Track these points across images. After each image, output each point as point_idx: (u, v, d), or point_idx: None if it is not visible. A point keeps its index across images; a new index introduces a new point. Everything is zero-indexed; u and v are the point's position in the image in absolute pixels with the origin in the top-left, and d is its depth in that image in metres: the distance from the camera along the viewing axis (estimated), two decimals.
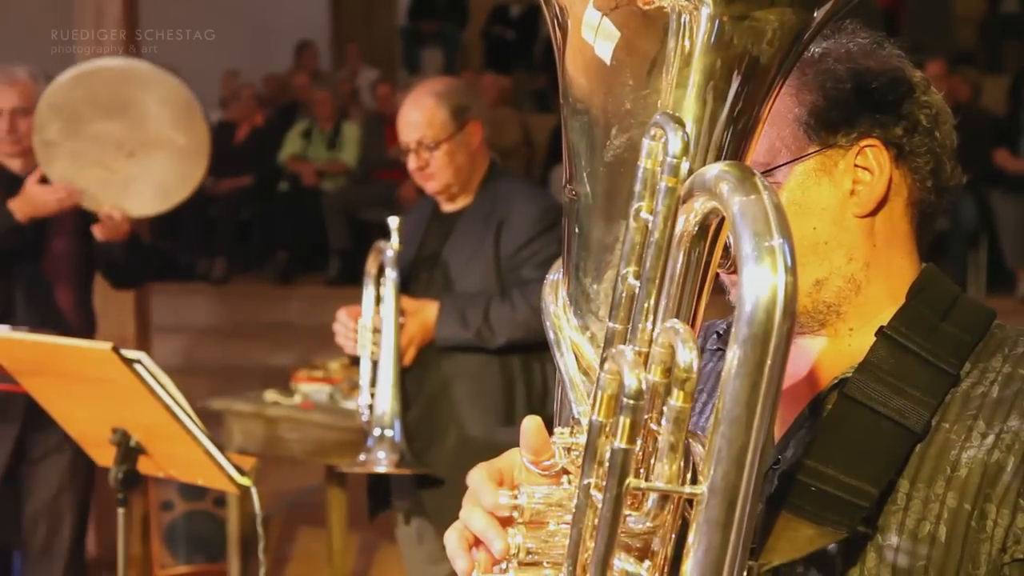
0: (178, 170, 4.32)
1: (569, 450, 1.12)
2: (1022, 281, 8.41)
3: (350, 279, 9.42)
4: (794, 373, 1.36)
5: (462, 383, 3.48)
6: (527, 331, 3.37)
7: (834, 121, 1.32)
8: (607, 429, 1.00)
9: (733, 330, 0.90)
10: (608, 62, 1.06)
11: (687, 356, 0.94)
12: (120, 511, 3.05)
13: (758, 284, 0.88)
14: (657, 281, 1.00)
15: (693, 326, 1.07)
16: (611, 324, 1.05)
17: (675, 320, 0.98)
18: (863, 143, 1.32)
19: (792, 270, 0.88)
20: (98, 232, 4.20)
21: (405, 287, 3.50)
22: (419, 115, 3.45)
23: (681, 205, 1.00)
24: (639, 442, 0.98)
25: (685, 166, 0.97)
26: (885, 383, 1.27)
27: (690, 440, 1.01)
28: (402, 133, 3.50)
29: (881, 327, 1.31)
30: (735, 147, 1.07)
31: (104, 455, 3.12)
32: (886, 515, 1.25)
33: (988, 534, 1.22)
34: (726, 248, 1.10)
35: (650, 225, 1.00)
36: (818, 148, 1.32)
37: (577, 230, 1.14)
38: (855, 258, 1.33)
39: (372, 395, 3.43)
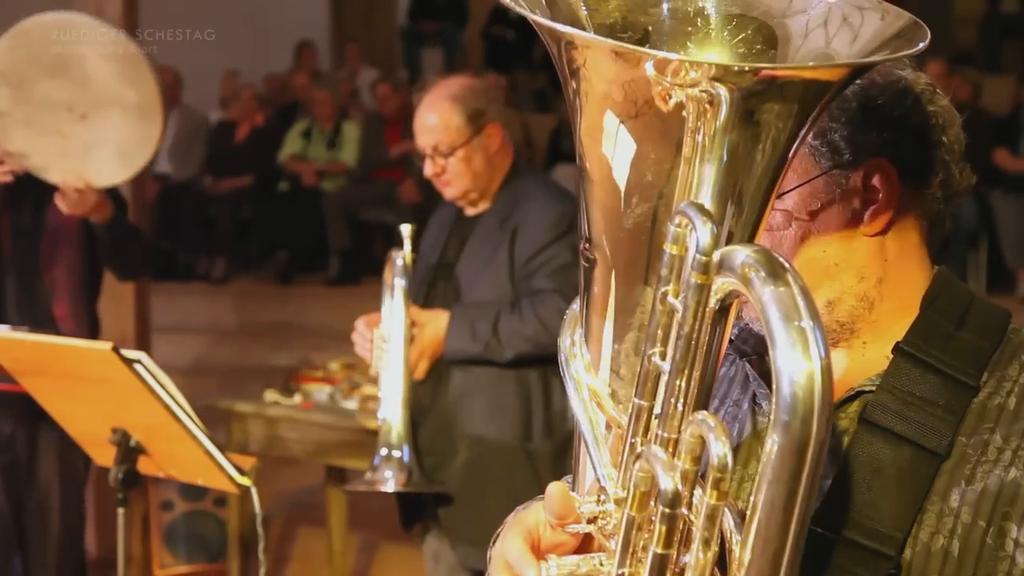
0: (135, 131, 4.01)
1: (596, 519, 1.14)
2: (1022, 281, 8.41)
3: (350, 279, 9.42)
4: None
5: (478, 397, 3.41)
6: (535, 345, 3.30)
7: (841, 142, 1.30)
8: (640, 523, 1.04)
9: (771, 417, 0.91)
10: (629, 134, 1.06)
11: (720, 450, 0.95)
12: (120, 511, 3.05)
13: (793, 371, 0.89)
14: (687, 371, 1.02)
15: (711, 391, 1.09)
16: (638, 400, 1.06)
17: (705, 413, 0.98)
18: (870, 162, 1.31)
19: (826, 356, 0.90)
20: (61, 204, 3.93)
21: (424, 293, 3.46)
22: (434, 120, 3.36)
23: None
24: (674, 550, 1.01)
25: (716, 258, 0.98)
26: (906, 403, 1.26)
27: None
28: (418, 137, 3.43)
29: (898, 343, 1.30)
30: (754, 213, 1.08)
31: (104, 455, 3.12)
32: None
33: (1008, 553, 1.21)
34: None
35: (678, 315, 1.01)
36: (825, 170, 1.30)
37: (596, 290, 1.15)
38: (866, 276, 1.32)
39: None
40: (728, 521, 1.05)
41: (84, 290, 4.13)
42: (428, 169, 3.40)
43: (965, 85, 8.28)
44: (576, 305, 1.22)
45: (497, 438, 3.37)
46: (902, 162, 1.32)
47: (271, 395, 4.82)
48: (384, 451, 3.37)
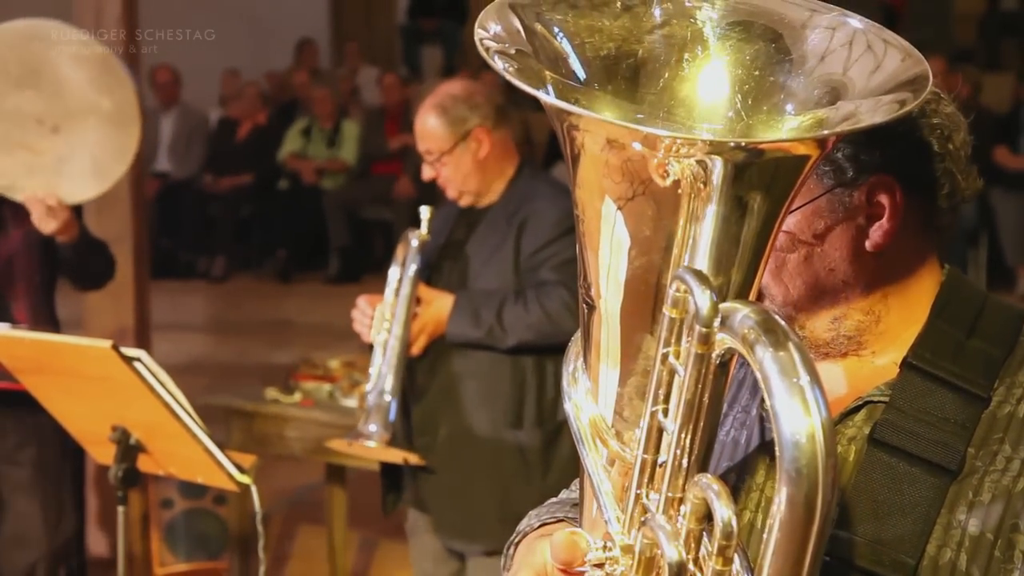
0: (111, 141, 3.82)
1: (602, 566, 1.14)
2: (1022, 279, 8.41)
3: (350, 277, 9.42)
4: None
5: (473, 381, 3.46)
6: (538, 333, 3.37)
7: (844, 160, 1.29)
8: None
9: (778, 469, 0.91)
10: (627, 191, 1.07)
11: (725, 514, 0.95)
12: (120, 509, 3.05)
13: (795, 429, 0.90)
14: (690, 427, 1.03)
15: (714, 441, 1.09)
16: (643, 454, 1.07)
17: (709, 477, 0.99)
18: (873, 179, 1.29)
19: (826, 412, 0.90)
20: (36, 223, 3.73)
21: (428, 277, 3.52)
22: (422, 128, 3.52)
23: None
24: None
25: (716, 326, 0.98)
26: (917, 419, 1.24)
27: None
28: (416, 143, 3.59)
29: (906, 358, 1.28)
30: (753, 267, 1.08)
31: (104, 453, 3.13)
32: None
33: (1016, 565, 1.19)
34: None
35: (679, 379, 1.02)
36: (828, 188, 1.29)
37: (596, 335, 1.16)
38: (873, 291, 1.32)
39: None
40: (736, 563, 1.05)
41: (42, 293, 3.97)
42: (425, 173, 3.55)
43: (965, 83, 8.28)
44: (577, 339, 1.23)
45: (488, 424, 3.44)
46: (906, 177, 1.30)
47: (271, 393, 4.82)
48: (372, 399, 3.42)
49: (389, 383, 3.42)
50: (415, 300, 3.44)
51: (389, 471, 3.66)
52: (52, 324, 3.96)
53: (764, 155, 1.03)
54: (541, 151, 10.34)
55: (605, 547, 1.13)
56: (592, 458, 1.17)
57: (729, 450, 1.37)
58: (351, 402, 4.62)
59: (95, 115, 3.81)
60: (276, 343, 8.21)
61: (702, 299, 0.98)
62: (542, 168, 10.16)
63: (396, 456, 3.51)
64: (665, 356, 1.03)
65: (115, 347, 2.90)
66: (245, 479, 2.98)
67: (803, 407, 0.90)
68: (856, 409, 1.29)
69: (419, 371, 3.53)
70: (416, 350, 3.46)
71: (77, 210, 4.01)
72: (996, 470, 1.22)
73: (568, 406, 1.21)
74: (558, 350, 3.43)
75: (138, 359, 2.93)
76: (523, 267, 3.43)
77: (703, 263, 1.05)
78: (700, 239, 1.05)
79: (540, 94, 1.05)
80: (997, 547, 1.20)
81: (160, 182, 10.04)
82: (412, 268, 3.46)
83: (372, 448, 3.49)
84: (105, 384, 2.97)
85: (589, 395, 1.19)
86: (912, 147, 1.30)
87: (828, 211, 1.29)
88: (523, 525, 1.43)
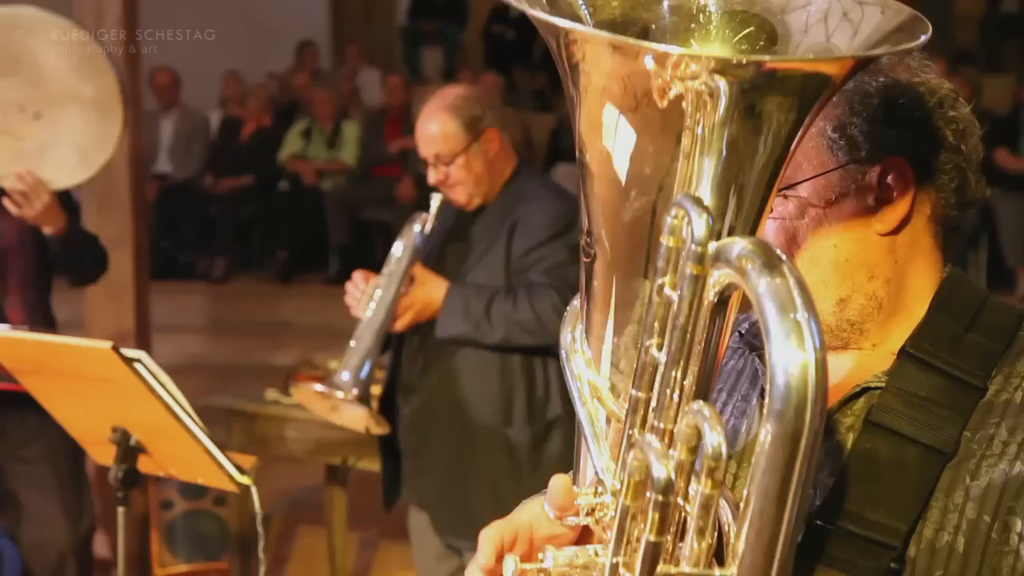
0: (94, 127, 3.80)
1: (593, 511, 1.15)
2: (1022, 280, 8.41)
3: (350, 278, 9.42)
4: None
5: (463, 381, 3.49)
6: (524, 332, 3.37)
7: (859, 137, 1.29)
8: (635, 512, 1.03)
9: (765, 409, 0.91)
10: (628, 127, 1.06)
11: (715, 439, 0.95)
12: (120, 510, 3.05)
13: (788, 362, 0.89)
14: (682, 361, 1.02)
15: (711, 385, 1.09)
16: (635, 392, 1.06)
17: (700, 403, 0.98)
18: (887, 160, 1.30)
19: (821, 348, 0.89)
20: (11, 206, 3.76)
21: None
22: (434, 130, 3.47)
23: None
24: (669, 535, 1.01)
25: (711, 249, 0.98)
26: (911, 404, 1.25)
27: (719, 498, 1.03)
28: (420, 147, 3.53)
29: (904, 347, 1.29)
30: (753, 210, 1.07)
31: (104, 454, 3.13)
32: None
33: (1012, 547, 1.20)
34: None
35: (674, 306, 1.01)
36: (842, 164, 1.30)
37: (596, 284, 1.15)
38: (876, 276, 1.32)
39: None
40: (725, 513, 1.06)
41: (37, 290, 3.98)
42: (432, 177, 3.49)
43: (965, 85, 8.28)
44: (577, 301, 1.22)
45: (477, 422, 3.46)
46: (919, 163, 1.31)
47: (271, 394, 4.82)
48: (349, 357, 3.42)
49: (367, 343, 3.41)
50: (409, 276, 3.44)
51: (389, 467, 3.66)
52: (47, 321, 3.96)
53: (771, 78, 1.01)
54: (541, 152, 10.35)
55: (596, 491, 1.14)
56: (587, 415, 1.17)
57: (729, 439, 1.38)
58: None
59: (77, 102, 3.79)
60: (276, 344, 8.22)
61: (698, 221, 0.97)
62: (541, 169, 10.20)
63: (357, 422, 3.49)
64: (660, 287, 1.02)
65: (115, 348, 2.90)
66: (245, 480, 2.98)
67: (797, 341, 0.89)
68: (855, 397, 1.30)
69: (410, 371, 3.55)
70: (400, 326, 3.46)
71: (74, 208, 4.03)
72: (993, 454, 1.23)
73: (566, 370, 1.20)
74: (546, 351, 3.48)
75: (138, 360, 2.93)
76: (513, 268, 3.44)
77: (705, 193, 1.04)
78: (702, 175, 1.03)
79: (554, 18, 1.04)
80: (994, 530, 1.21)
81: (160, 183, 10.04)
82: (413, 241, 3.46)
83: (336, 408, 3.46)
84: (105, 385, 2.97)
85: (586, 351, 1.18)
86: (927, 134, 1.31)
87: (840, 186, 1.30)
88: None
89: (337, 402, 3.47)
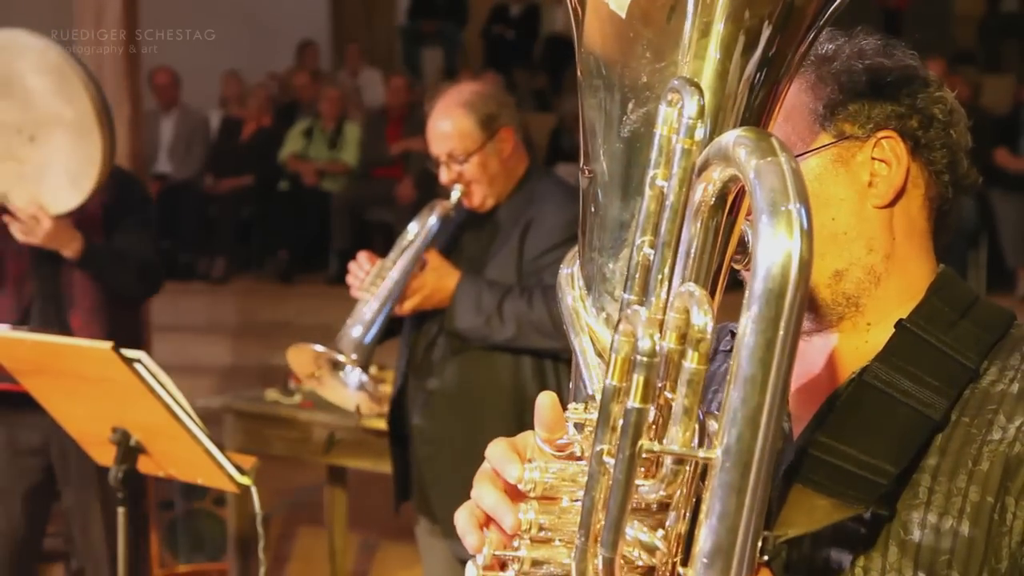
0: (78, 151, 3.73)
1: (582, 426, 1.11)
2: (1022, 280, 8.41)
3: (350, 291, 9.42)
4: (811, 370, 1.36)
5: (473, 389, 3.41)
6: (536, 332, 3.29)
7: (850, 113, 1.32)
8: (621, 393, 0.98)
9: (747, 291, 0.89)
10: (625, 34, 1.05)
11: (702, 319, 0.93)
12: (120, 510, 3.05)
13: (774, 246, 0.87)
14: (673, 246, 0.99)
15: (713, 296, 1.05)
16: (626, 295, 1.03)
17: (690, 284, 0.96)
18: (880, 134, 1.32)
19: (808, 234, 0.87)
20: (19, 232, 3.76)
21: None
22: (448, 127, 3.36)
23: (699, 175, 0.98)
24: (653, 405, 0.96)
25: (700, 129, 0.96)
26: (904, 372, 1.26)
27: (705, 417, 1.00)
28: (432, 145, 3.43)
29: (900, 320, 1.31)
30: (753, 119, 1.07)
31: (104, 454, 3.13)
32: (908, 510, 1.24)
33: (1008, 527, 1.22)
34: (743, 243, 1.10)
35: (665, 190, 0.99)
36: (834, 140, 1.32)
37: (593, 209, 1.13)
38: (875, 249, 1.33)
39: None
40: (711, 428, 1.01)
41: (100, 300, 3.98)
42: (444, 176, 3.40)
43: (965, 85, 8.29)
44: (571, 268, 1.20)
45: (488, 432, 3.37)
46: (911, 136, 1.33)
47: (271, 394, 4.83)
48: (356, 329, 3.34)
49: (370, 316, 3.34)
50: (422, 260, 3.36)
51: (400, 467, 3.61)
52: (106, 329, 3.91)
53: None
54: (541, 152, 10.35)
55: (586, 407, 1.11)
56: (578, 344, 1.14)
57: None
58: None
59: (60, 125, 3.76)
60: (276, 344, 8.20)
61: (690, 102, 0.95)
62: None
63: (348, 398, 3.42)
64: (653, 179, 1.00)
65: (115, 348, 2.91)
66: (245, 480, 2.98)
67: (787, 228, 0.86)
68: (851, 384, 1.30)
69: (419, 379, 3.49)
70: (407, 308, 3.37)
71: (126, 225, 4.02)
72: (993, 440, 1.24)
73: (565, 312, 1.17)
74: (558, 357, 3.38)
75: (138, 360, 2.93)
76: (526, 270, 3.37)
77: (704, 89, 1.01)
78: (702, 71, 1.02)
79: None
80: (996, 511, 1.22)
81: (160, 183, 10.04)
82: (429, 226, 3.37)
83: (326, 380, 3.38)
84: (105, 385, 2.98)
85: (584, 296, 1.15)
86: (917, 110, 1.33)
87: (833, 161, 1.32)
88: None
89: (329, 372, 3.37)
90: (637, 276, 1.02)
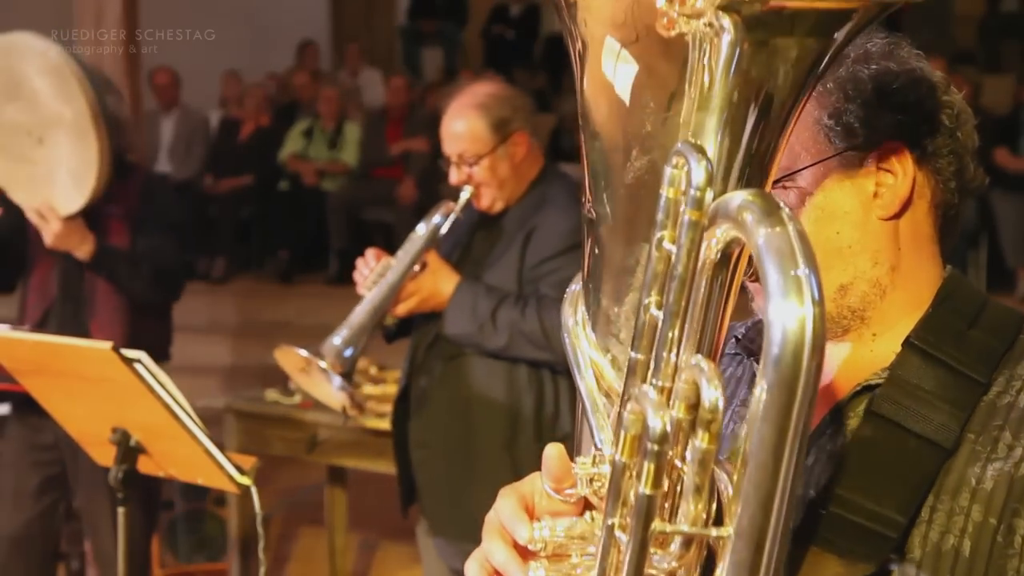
0: (78, 152, 3.74)
1: (591, 480, 1.11)
2: (1022, 280, 8.41)
3: (350, 278, 9.41)
4: None
5: (468, 395, 3.39)
6: (528, 342, 3.26)
7: (855, 123, 1.30)
8: (630, 470, 0.99)
9: (760, 364, 0.89)
10: (628, 88, 1.04)
11: (712, 395, 0.93)
12: (120, 510, 3.05)
13: (785, 317, 0.87)
14: (681, 314, 0.99)
15: (715, 351, 1.06)
16: (634, 354, 1.03)
17: (699, 357, 0.96)
18: (885, 145, 1.30)
19: (820, 302, 0.87)
20: (48, 237, 3.81)
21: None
22: (460, 128, 3.33)
23: (703, 233, 0.98)
24: (664, 485, 0.97)
25: (709, 197, 0.95)
26: (914, 396, 1.24)
27: (716, 468, 1.00)
28: (444, 145, 3.40)
29: (908, 338, 1.28)
30: (757, 170, 1.05)
31: (104, 454, 3.12)
32: (910, 529, 1.22)
33: (1016, 550, 1.19)
34: (750, 258, 1.09)
35: (673, 257, 0.98)
36: (840, 151, 1.30)
37: (597, 251, 1.12)
38: (880, 262, 1.31)
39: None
40: (722, 482, 1.02)
41: (122, 306, 3.99)
42: (454, 177, 3.37)
43: (965, 85, 8.28)
44: (575, 286, 1.20)
45: (482, 439, 3.36)
46: (917, 146, 1.31)
47: (271, 394, 4.82)
48: (341, 334, 3.33)
49: (362, 318, 3.32)
50: (422, 261, 3.34)
51: (403, 471, 3.58)
52: (126, 336, 3.89)
53: (781, 18, 0.97)
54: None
55: (594, 461, 1.10)
56: (586, 387, 1.14)
57: (728, 443, 1.37)
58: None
59: (62, 126, 3.76)
60: (276, 344, 8.20)
61: (697, 168, 0.95)
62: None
63: (333, 398, 3.40)
64: (659, 240, 0.99)
65: (115, 348, 2.90)
66: (245, 480, 2.98)
67: (797, 295, 0.86)
68: (857, 395, 1.29)
69: (419, 383, 3.47)
70: (402, 310, 3.35)
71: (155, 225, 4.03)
72: (998, 458, 1.22)
73: (566, 341, 1.17)
74: (552, 367, 3.35)
75: (138, 360, 2.93)
76: (525, 277, 3.34)
77: (708, 145, 1.01)
78: (706, 123, 1.01)
79: None
80: (999, 532, 1.20)
81: None
82: (432, 225, 3.34)
83: (313, 379, 3.36)
84: (105, 386, 2.97)
85: (587, 324, 1.15)
86: (923, 118, 1.31)
87: (838, 173, 1.30)
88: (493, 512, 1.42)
89: (317, 371, 3.35)
90: (644, 335, 1.02)
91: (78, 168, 3.78)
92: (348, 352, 3.32)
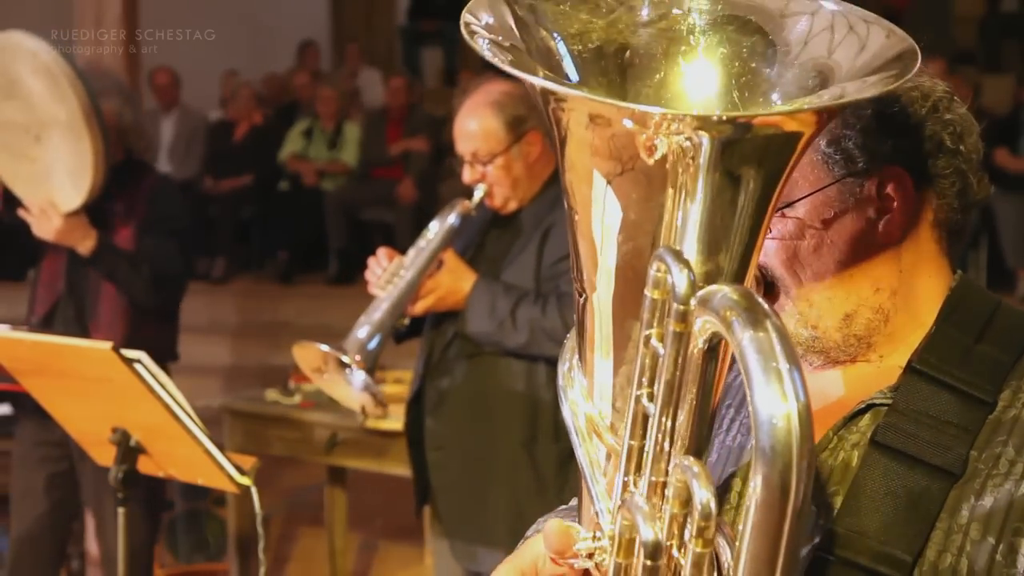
0: (73, 152, 3.74)
1: (592, 555, 1.14)
2: (1022, 280, 8.41)
3: (350, 279, 9.42)
4: (821, 396, 1.32)
5: (486, 394, 3.36)
6: (549, 340, 3.22)
7: (854, 150, 1.28)
8: (626, 568, 1.04)
9: (752, 455, 0.90)
10: (613, 185, 1.07)
11: (704, 496, 0.95)
12: (120, 511, 3.05)
13: (771, 413, 0.89)
14: (672, 410, 1.02)
15: (708, 438, 1.08)
16: (629, 440, 1.06)
17: (690, 459, 0.98)
18: (885, 171, 1.28)
19: (804, 398, 0.89)
20: (34, 228, 3.82)
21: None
22: (474, 126, 3.30)
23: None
24: None
25: (695, 298, 0.98)
26: (919, 423, 1.23)
27: (717, 536, 1.03)
28: (457, 143, 3.37)
29: (910, 363, 1.27)
30: (746, 250, 1.07)
31: (104, 455, 3.13)
32: None
33: (1019, 570, 1.18)
34: None
35: (661, 360, 1.01)
36: (839, 178, 1.28)
37: (588, 325, 1.15)
38: (882, 288, 1.30)
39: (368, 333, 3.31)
40: (725, 552, 1.05)
41: (126, 309, 3.98)
42: (467, 175, 3.34)
43: (965, 85, 8.29)
44: (568, 363, 1.23)
45: (502, 438, 3.32)
46: (917, 171, 1.29)
47: (271, 394, 4.82)
48: (363, 330, 3.30)
49: (381, 315, 3.29)
50: (438, 260, 3.31)
51: (418, 472, 3.54)
52: (126, 339, 3.84)
53: (752, 131, 1.01)
54: None
55: (595, 536, 1.13)
56: (586, 453, 1.17)
57: (735, 455, 1.36)
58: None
59: (57, 126, 3.77)
60: (276, 344, 8.21)
61: (679, 277, 0.97)
62: None
63: (352, 398, 3.38)
64: (648, 338, 1.02)
65: (115, 348, 2.90)
66: (245, 481, 2.98)
67: (780, 392, 0.88)
68: (860, 413, 1.28)
69: (434, 382, 3.44)
70: (419, 309, 3.32)
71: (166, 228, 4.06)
72: (999, 474, 1.21)
73: (564, 404, 1.20)
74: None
75: (138, 360, 2.93)
76: (543, 276, 3.31)
77: (691, 246, 1.04)
78: (688, 221, 1.04)
79: (527, 76, 1.04)
80: (999, 551, 1.18)
81: None
82: (449, 224, 3.31)
83: (332, 378, 3.33)
84: (105, 386, 2.97)
85: (584, 390, 1.18)
86: (924, 140, 1.30)
87: (838, 201, 1.29)
88: (531, 532, 1.42)
89: (335, 369, 3.32)
90: (637, 423, 1.05)
91: (75, 167, 3.78)
92: (372, 345, 3.28)
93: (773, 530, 0.90)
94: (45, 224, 3.82)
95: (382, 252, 3.38)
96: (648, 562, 0.98)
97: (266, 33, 12.32)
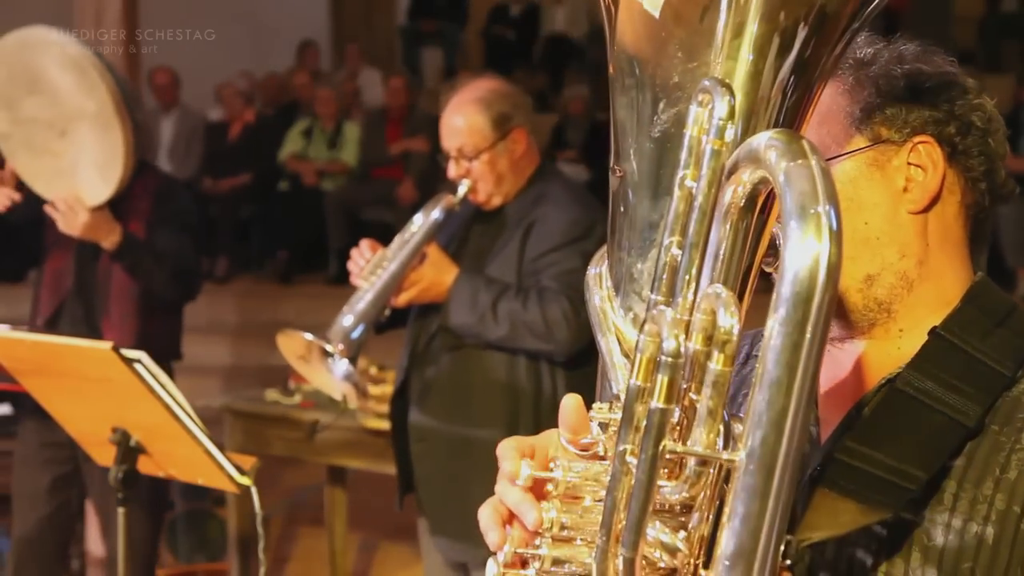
0: (102, 144, 3.78)
1: (607, 426, 1.11)
2: (1022, 280, 8.41)
3: (349, 278, 9.44)
4: (841, 374, 1.34)
5: (467, 387, 3.40)
6: (529, 333, 3.28)
7: (887, 117, 1.31)
8: (645, 394, 0.98)
9: (775, 293, 0.89)
10: (658, 33, 1.05)
11: (728, 320, 0.93)
12: (120, 511, 3.05)
13: (802, 249, 0.87)
14: (701, 247, 0.99)
15: (740, 302, 1.05)
16: (653, 296, 1.03)
17: (717, 285, 0.96)
18: (916, 139, 1.31)
19: (837, 236, 0.87)
20: (60, 224, 3.83)
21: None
22: (460, 122, 3.35)
23: (729, 177, 0.98)
24: (678, 407, 0.96)
25: (731, 130, 0.96)
26: (937, 379, 1.24)
27: (731, 419, 0.99)
28: (443, 139, 3.41)
29: (934, 327, 1.28)
30: (787, 123, 1.06)
31: (104, 455, 3.13)
32: (932, 514, 1.23)
33: None
34: (774, 245, 1.10)
35: (694, 191, 0.99)
36: (870, 144, 1.31)
37: (623, 209, 1.13)
38: (907, 255, 1.32)
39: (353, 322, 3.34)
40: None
41: (135, 307, 3.99)
42: (452, 171, 3.39)
43: None
44: (597, 268, 1.20)
45: (481, 431, 3.36)
46: (948, 142, 1.32)
47: (271, 394, 4.83)
48: (346, 319, 3.32)
49: (364, 306, 3.32)
50: (422, 253, 3.35)
51: (401, 463, 3.58)
52: (137, 337, 3.89)
53: None
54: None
55: (611, 407, 1.11)
56: (605, 344, 1.14)
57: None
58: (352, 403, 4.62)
59: (85, 119, 3.79)
60: (276, 344, 8.21)
61: (720, 102, 0.96)
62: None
63: (335, 386, 3.40)
64: (682, 179, 1.00)
65: (115, 349, 2.91)
66: (245, 481, 2.98)
67: (815, 231, 0.87)
68: (880, 389, 1.29)
69: (417, 375, 3.48)
70: (401, 301, 3.36)
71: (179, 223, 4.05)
72: (1022, 448, 1.23)
73: (588, 296, 1.18)
74: (552, 359, 3.36)
75: (138, 360, 2.93)
76: (525, 270, 3.36)
77: (737, 89, 1.01)
78: (734, 71, 1.02)
79: None
80: (1023, 520, 1.20)
81: None
82: (433, 219, 3.36)
83: (315, 366, 3.35)
84: (105, 386, 2.98)
85: (609, 286, 1.16)
86: (954, 117, 1.32)
87: (868, 165, 1.31)
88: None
89: (318, 357, 3.34)
90: (665, 276, 1.02)
91: (103, 159, 3.80)
92: (355, 335, 3.32)
93: (786, 376, 0.88)
94: (72, 219, 3.81)
95: (365, 244, 3.42)
96: (668, 359, 0.94)
97: (266, 33, 12.31)
